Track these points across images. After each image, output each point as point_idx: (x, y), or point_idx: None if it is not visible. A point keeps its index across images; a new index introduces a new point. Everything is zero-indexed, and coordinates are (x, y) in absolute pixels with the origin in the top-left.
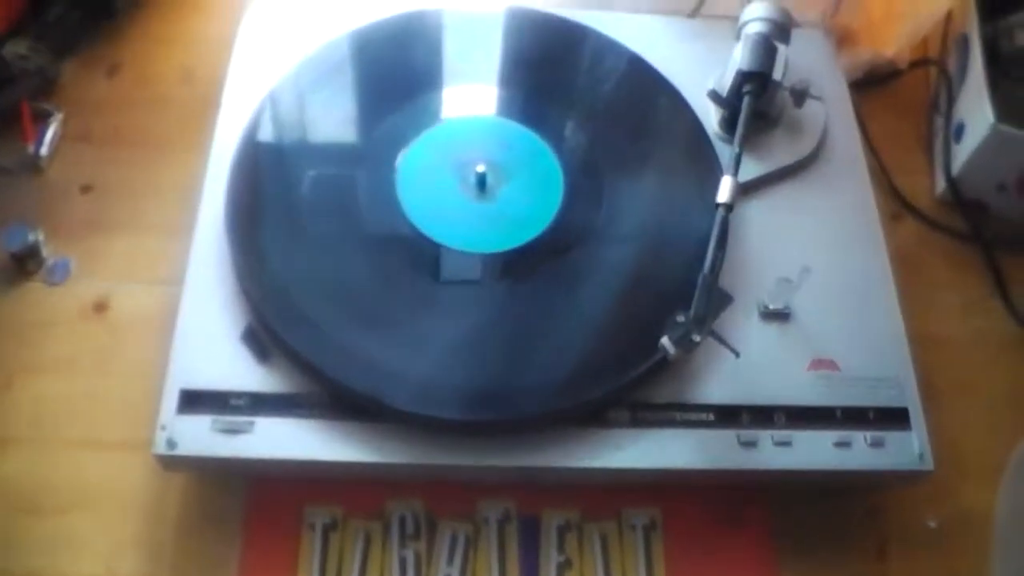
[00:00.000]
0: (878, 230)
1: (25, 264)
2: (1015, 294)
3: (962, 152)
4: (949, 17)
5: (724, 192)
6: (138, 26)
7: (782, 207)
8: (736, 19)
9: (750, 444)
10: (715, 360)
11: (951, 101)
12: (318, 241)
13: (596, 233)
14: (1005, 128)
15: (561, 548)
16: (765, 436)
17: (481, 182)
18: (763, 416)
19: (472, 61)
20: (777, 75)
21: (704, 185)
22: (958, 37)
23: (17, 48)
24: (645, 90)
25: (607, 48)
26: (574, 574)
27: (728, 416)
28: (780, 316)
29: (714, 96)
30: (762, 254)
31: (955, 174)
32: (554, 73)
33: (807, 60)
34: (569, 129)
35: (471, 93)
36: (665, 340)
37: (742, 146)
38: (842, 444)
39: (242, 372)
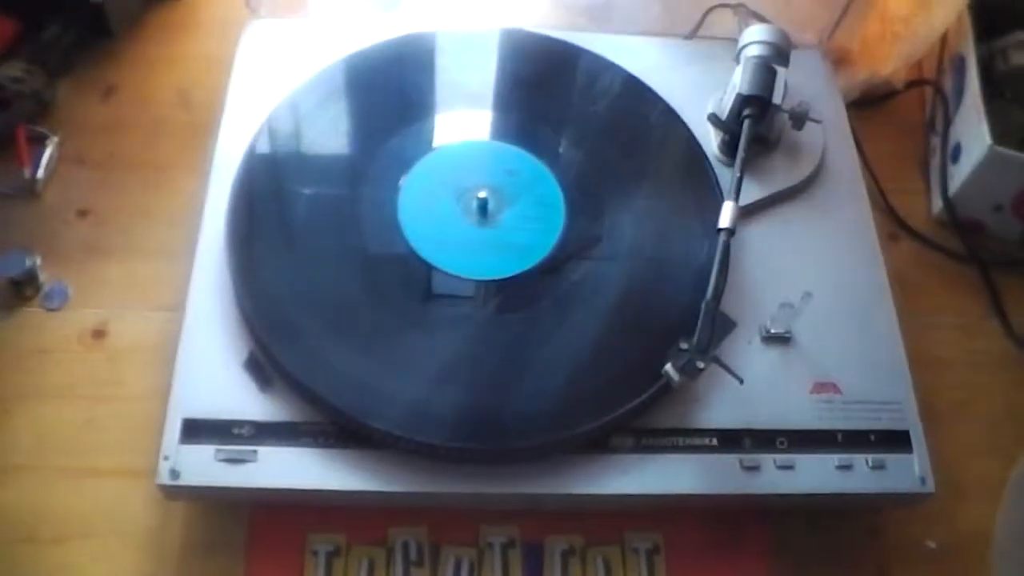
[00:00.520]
0: (877, 252)
1: (23, 290)
2: (1012, 314)
3: (959, 173)
4: (945, 37)
5: (726, 217)
6: (133, 47)
7: (781, 230)
8: (733, 40)
9: (753, 468)
10: (717, 384)
11: (947, 121)
12: (320, 267)
13: (599, 259)
14: (1002, 150)
15: (565, 574)
16: (768, 460)
17: (483, 208)
18: (765, 440)
19: (474, 84)
20: (777, 99)
21: (705, 209)
22: (954, 57)
23: (12, 71)
24: (646, 114)
25: (609, 71)
26: None
27: (731, 440)
28: (781, 340)
29: (714, 120)
30: (762, 277)
31: (952, 195)
32: (556, 96)
33: (805, 81)
34: (571, 154)
35: (472, 117)
36: (669, 367)
37: (743, 171)
38: (844, 467)
39: (245, 400)
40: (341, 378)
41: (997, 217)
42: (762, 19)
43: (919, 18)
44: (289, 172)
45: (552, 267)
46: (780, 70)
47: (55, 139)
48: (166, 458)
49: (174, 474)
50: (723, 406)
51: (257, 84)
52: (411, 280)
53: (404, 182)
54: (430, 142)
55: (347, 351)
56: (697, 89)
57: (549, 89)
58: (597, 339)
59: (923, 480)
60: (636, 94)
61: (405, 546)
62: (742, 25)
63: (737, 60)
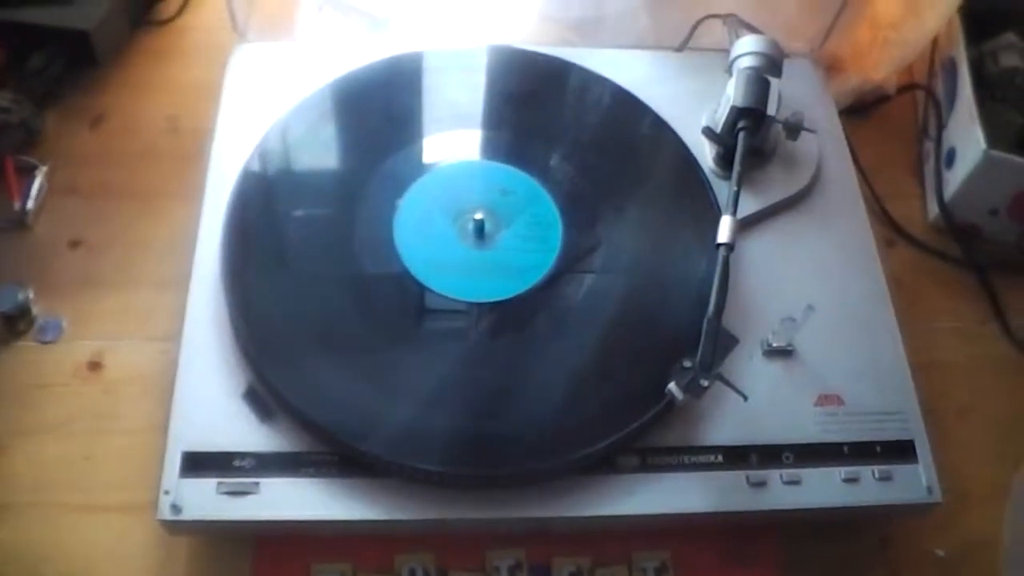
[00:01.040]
0: (876, 260)
1: (16, 324)
2: (1012, 318)
3: (954, 178)
4: (935, 41)
5: (724, 232)
6: (120, 74)
7: (779, 241)
8: (724, 51)
9: (760, 484)
10: (721, 401)
11: (940, 126)
12: (317, 294)
13: (597, 278)
14: (997, 154)
15: None
16: (774, 475)
17: (480, 230)
18: (771, 455)
19: (465, 104)
20: (771, 110)
21: (702, 224)
22: (945, 61)
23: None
24: (640, 128)
25: (601, 86)
26: None
27: (736, 457)
28: (783, 353)
29: (709, 133)
30: (762, 290)
31: (947, 199)
32: (549, 113)
33: (797, 90)
34: (565, 172)
35: (464, 137)
36: (672, 386)
37: (740, 184)
38: (850, 480)
39: (245, 432)
40: (342, 407)
41: (993, 220)
42: (752, 29)
43: (909, 23)
44: (283, 198)
45: (551, 287)
46: (773, 81)
47: (44, 169)
48: (167, 492)
49: (176, 509)
50: (728, 422)
51: (247, 109)
52: (410, 306)
53: (399, 205)
54: (424, 163)
55: (347, 379)
56: (690, 102)
57: (542, 106)
58: (598, 359)
59: (930, 490)
60: (629, 109)
61: (412, 573)
62: (732, 36)
63: (729, 72)
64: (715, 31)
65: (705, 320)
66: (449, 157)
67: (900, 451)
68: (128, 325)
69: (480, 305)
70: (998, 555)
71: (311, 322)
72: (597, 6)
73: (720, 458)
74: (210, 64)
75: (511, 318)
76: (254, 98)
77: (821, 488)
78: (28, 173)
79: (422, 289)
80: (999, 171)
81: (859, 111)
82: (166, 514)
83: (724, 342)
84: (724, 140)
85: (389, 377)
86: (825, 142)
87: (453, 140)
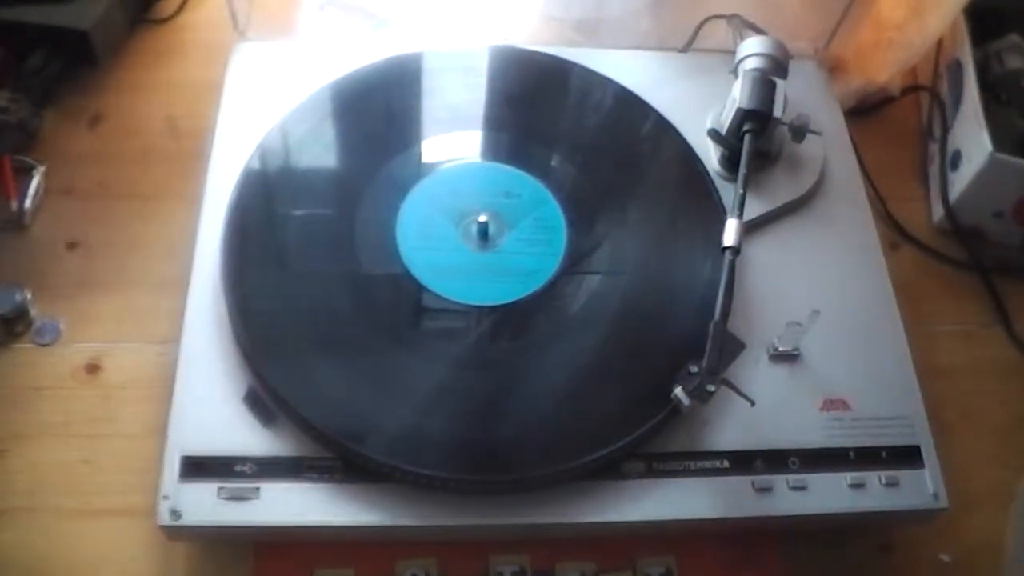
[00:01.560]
0: (882, 263)
1: (13, 326)
2: (1016, 321)
3: (959, 180)
4: (940, 42)
5: (730, 235)
6: (119, 74)
7: (784, 244)
8: (728, 52)
9: (765, 490)
10: (727, 406)
11: (945, 128)
12: (319, 297)
13: (602, 281)
14: (1004, 157)
15: None
16: (780, 481)
17: (484, 233)
18: (777, 461)
19: (469, 105)
20: (777, 112)
21: (708, 227)
22: (950, 62)
23: None
24: (645, 130)
25: (605, 88)
26: None
27: (742, 462)
28: (789, 357)
29: (714, 135)
30: (766, 294)
31: (952, 202)
32: (553, 115)
33: (801, 92)
34: (570, 174)
35: (467, 138)
36: (679, 391)
37: (746, 187)
38: (857, 486)
39: (246, 435)
40: (344, 411)
41: (998, 223)
42: (756, 29)
43: (913, 25)
44: (284, 199)
45: (555, 291)
46: (779, 83)
47: (42, 169)
48: (166, 498)
49: (175, 514)
50: (734, 428)
51: (247, 108)
52: (413, 309)
53: (402, 208)
54: (426, 165)
55: (349, 383)
56: (694, 103)
57: (545, 108)
58: (603, 364)
59: (936, 495)
60: (634, 110)
61: None
62: (736, 36)
63: (735, 73)
64: (719, 32)
65: (711, 325)
66: (452, 159)
67: (906, 457)
68: (127, 327)
69: (484, 309)
70: (1001, 560)
71: (312, 325)
72: (599, 6)
73: (726, 463)
74: (210, 63)
75: (515, 322)
76: (255, 98)
77: (827, 494)
78: (26, 173)
79: (425, 292)
80: (1005, 174)
81: (862, 113)
82: (165, 519)
83: (730, 347)
84: (729, 142)
85: (391, 381)
86: (830, 144)
87: (456, 141)
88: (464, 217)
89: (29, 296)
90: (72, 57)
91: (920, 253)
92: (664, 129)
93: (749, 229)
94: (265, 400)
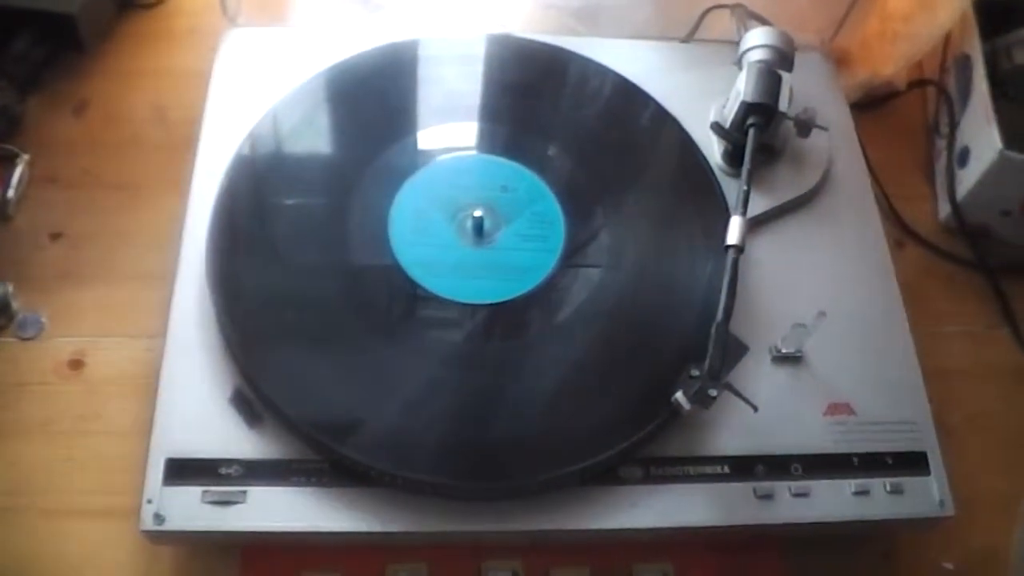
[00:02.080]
0: (888, 262)
1: None
2: (1022, 323)
3: (967, 178)
4: (947, 35)
5: (734, 233)
6: (106, 60)
7: (788, 242)
8: (731, 43)
9: (767, 497)
10: (728, 409)
11: (953, 124)
12: (310, 294)
13: (601, 279)
14: (1013, 154)
15: None
16: (782, 487)
17: (479, 228)
18: (779, 466)
19: (464, 95)
20: (783, 106)
21: (710, 224)
22: (958, 57)
23: None
24: (646, 123)
25: (606, 78)
26: None
27: (743, 468)
28: (792, 359)
29: (717, 129)
30: (769, 293)
31: (960, 200)
32: (551, 106)
33: (807, 85)
34: (568, 168)
35: (464, 130)
36: (679, 396)
37: (750, 183)
38: (861, 493)
39: (232, 437)
40: (334, 413)
41: (1006, 221)
42: (760, 20)
43: (921, 17)
44: (273, 190)
45: (552, 289)
46: (785, 75)
47: (25, 157)
48: (149, 502)
49: (158, 519)
50: (734, 432)
51: (237, 96)
52: (406, 307)
53: (394, 201)
54: (419, 158)
55: (339, 384)
56: (696, 95)
57: (543, 99)
58: (601, 365)
59: (942, 503)
60: (635, 102)
61: None
62: (739, 26)
63: (739, 65)
64: (722, 21)
65: (714, 326)
66: (446, 151)
67: (912, 463)
68: (111, 321)
69: (478, 307)
70: (1004, 568)
71: (301, 322)
72: None
73: (726, 469)
74: (199, 50)
75: (511, 321)
76: (244, 85)
77: (830, 501)
78: (8, 162)
79: (417, 290)
80: (1015, 172)
81: (867, 107)
82: (148, 524)
83: (733, 350)
84: (733, 136)
85: (383, 382)
86: (836, 139)
87: (450, 133)
88: (459, 211)
89: (11, 289)
90: (58, 42)
91: (925, 252)
92: (666, 121)
93: (752, 226)
94: (252, 400)
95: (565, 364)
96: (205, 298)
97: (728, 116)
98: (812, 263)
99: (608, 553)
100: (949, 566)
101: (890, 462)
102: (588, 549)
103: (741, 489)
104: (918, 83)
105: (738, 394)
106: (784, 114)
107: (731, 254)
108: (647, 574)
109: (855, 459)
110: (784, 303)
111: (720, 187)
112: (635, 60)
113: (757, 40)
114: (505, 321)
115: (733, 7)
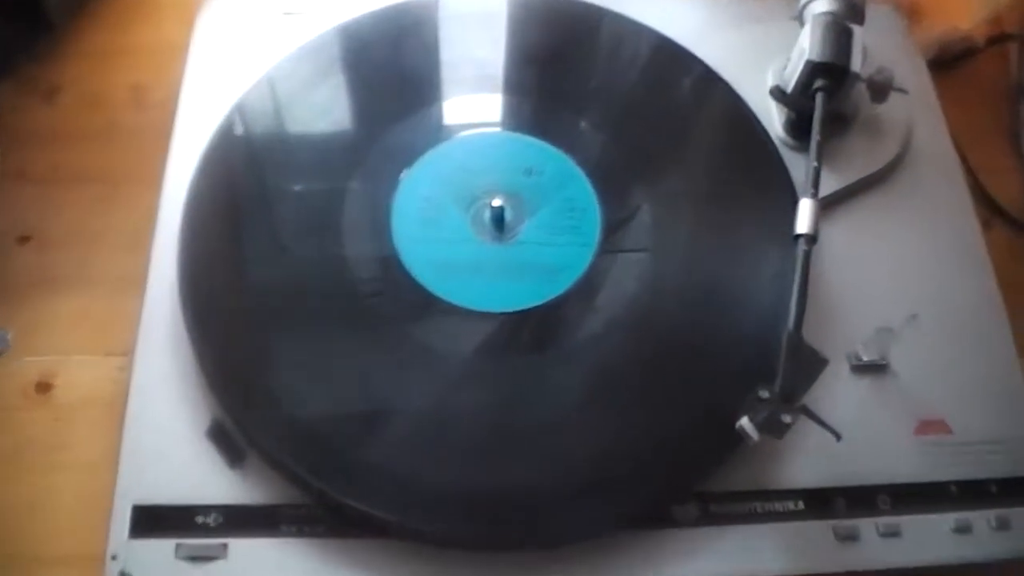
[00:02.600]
0: (982, 249)
1: None
2: None
3: None
4: None
5: (804, 220)
6: (78, 40)
7: (861, 228)
8: None
9: (850, 538)
10: (799, 432)
11: None
12: (299, 308)
13: (644, 280)
14: None
15: None
16: (868, 525)
17: (499, 220)
18: (863, 500)
19: (486, 64)
20: (855, 66)
21: (772, 209)
22: None
23: None
24: (695, 92)
25: (648, 41)
26: None
27: (820, 503)
28: (875, 368)
29: (778, 94)
30: (843, 291)
31: None
32: (584, 74)
33: (877, 43)
34: (605, 146)
35: (481, 104)
36: (745, 422)
37: (820, 159)
38: (961, 529)
39: (210, 479)
40: (328, 451)
41: None
42: None
43: None
44: (255, 179)
45: (587, 293)
46: (856, 29)
47: None
48: (114, 558)
49: None
50: (808, 459)
51: (216, 75)
52: (414, 322)
53: (398, 189)
54: (428, 138)
55: (335, 415)
56: (751, 56)
57: (575, 65)
58: (649, 384)
59: None
60: (680, 66)
61: None
62: None
63: (800, 20)
64: None
65: (785, 336)
66: (459, 128)
67: (1020, 490)
68: (84, 336)
69: (499, 316)
70: None
71: (289, 341)
72: None
73: (800, 505)
74: (180, 25)
75: (538, 332)
76: (224, 63)
77: (926, 540)
78: None
79: (427, 298)
80: None
81: (941, 67)
82: None
83: (809, 363)
84: (797, 103)
85: (386, 413)
86: (915, 105)
87: (464, 108)
88: (475, 200)
89: None
90: (24, 22)
91: (1013, 232)
92: (717, 88)
93: (821, 209)
94: (233, 435)
95: (605, 384)
96: (178, 313)
97: (790, 79)
98: (891, 252)
99: None
100: None
101: (994, 490)
102: None
103: (819, 528)
104: (999, 38)
105: (818, 420)
106: (857, 75)
107: (802, 245)
108: None
109: (953, 488)
110: (860, 301)
111: (785, 166)
112: (677, 19)
113: None
114: (532, 333)
115: None
